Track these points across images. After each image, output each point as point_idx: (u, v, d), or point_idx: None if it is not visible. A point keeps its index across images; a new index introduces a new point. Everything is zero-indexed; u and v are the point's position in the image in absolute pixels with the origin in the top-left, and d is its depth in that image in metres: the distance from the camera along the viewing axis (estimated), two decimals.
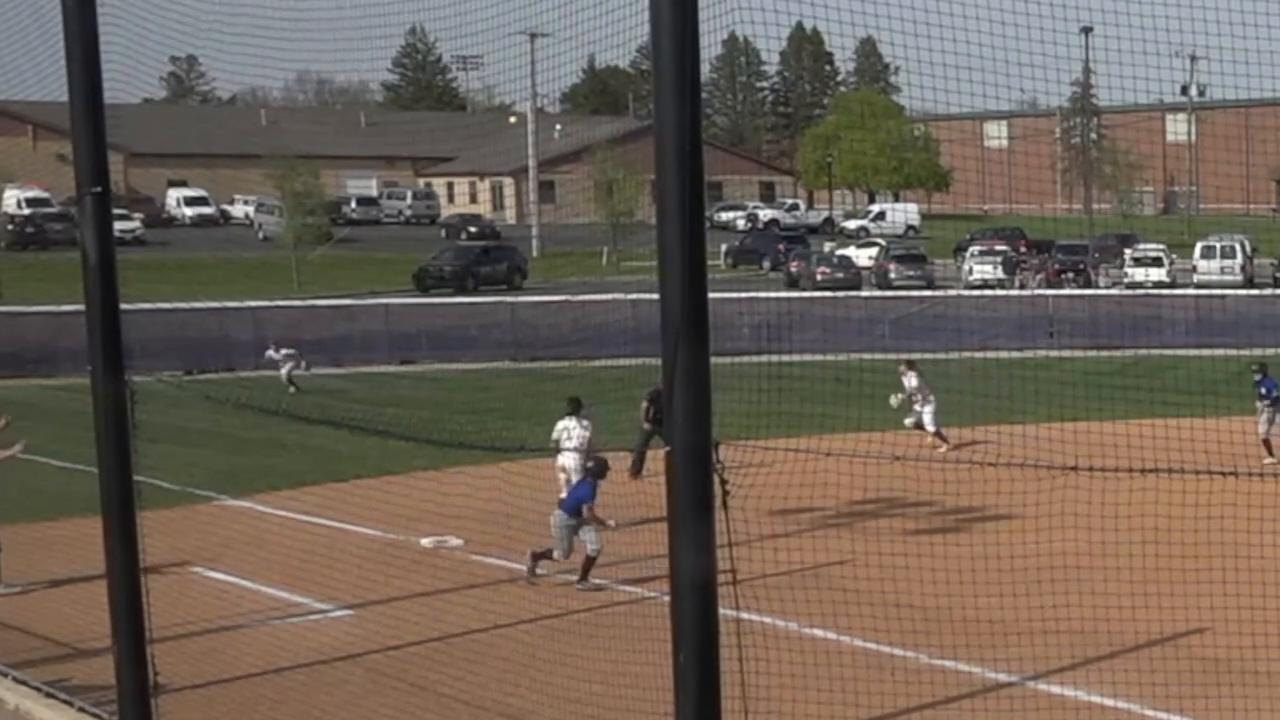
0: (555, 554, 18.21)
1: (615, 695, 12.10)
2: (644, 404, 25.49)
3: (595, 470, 18.68)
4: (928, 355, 41.96)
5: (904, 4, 9.67)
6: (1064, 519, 16.63)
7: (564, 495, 20.88)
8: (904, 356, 32.02)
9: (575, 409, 21.90)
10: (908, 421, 28.73)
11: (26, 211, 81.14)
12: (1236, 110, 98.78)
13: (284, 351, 38.28)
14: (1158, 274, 65.38)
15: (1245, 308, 50.85)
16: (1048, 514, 16.50)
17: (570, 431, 21.72)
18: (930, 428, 28.66)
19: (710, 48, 7.19)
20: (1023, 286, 63.32)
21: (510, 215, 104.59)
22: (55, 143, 78.43)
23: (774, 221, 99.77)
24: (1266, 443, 25.84)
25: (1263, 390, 26.32)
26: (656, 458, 24.55)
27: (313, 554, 18.32)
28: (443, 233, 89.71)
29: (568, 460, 21.05)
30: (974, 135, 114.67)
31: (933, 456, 26.58)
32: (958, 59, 10.68)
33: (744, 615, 10.81)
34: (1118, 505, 15.07)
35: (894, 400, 28.77)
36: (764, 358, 30.84)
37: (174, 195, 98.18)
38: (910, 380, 29.20)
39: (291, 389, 36.77)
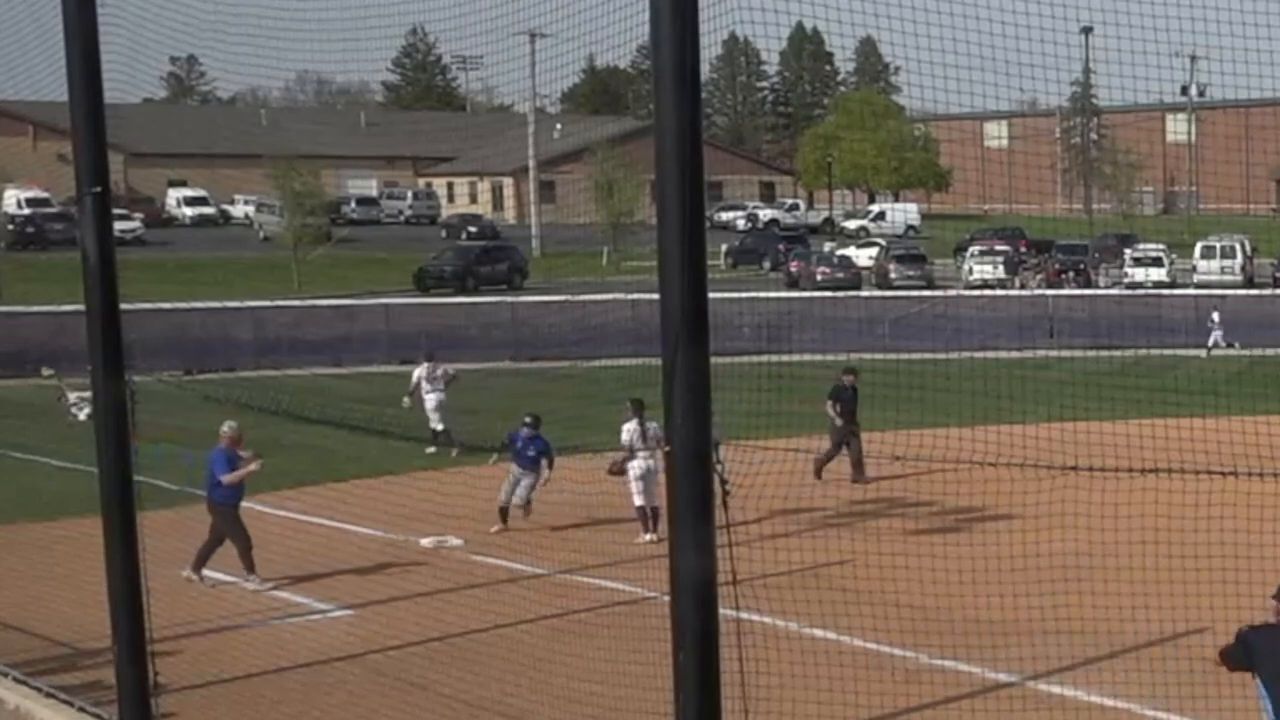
0: None
1: (615, 695, 12.09)
2: (830, 403, 25.23)
3: None
4: (928, 355, 42.07)
5: (904, 4, 9.67)
6: (1064, 519, 16.64)
7: (639, 501, 20.60)
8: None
9: (639, 411, 21.39)
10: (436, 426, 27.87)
11: (26, 211, 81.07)
12: (1236, 110, 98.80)
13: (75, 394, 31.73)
14: (1158, 274, 65.40)
15: (1245, 308, 50.91)
16: (1048, 514, 16.50)
17: (633, 433, 21.18)
18: (436, 426, 27.86)
19: (710, 48, 7.19)
20: (1023, 286, 63.33)
21: (510, 215, 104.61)
22: (55, 143, 78.40)
23: (774, 221, 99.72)
24: (505, 511, 21.28)
25: (530, 451, 21.29)
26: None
27: (313, 554, 18.32)
28: (443, 233, 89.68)
29: (638, 466, 20.58)
30: (974, 135, 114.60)
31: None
32: (958, 59, 10.69)
33: (744, 615, 10.82)
34: (1118, 505, 15.07)
35: (406, 401, 28.32)
36: (764, 358, 30.79)
37: (174, 195, 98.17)
38: (420, 370, 28.90)
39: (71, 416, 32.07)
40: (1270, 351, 41.25)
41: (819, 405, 25.73)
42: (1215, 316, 47.59)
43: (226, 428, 18.74)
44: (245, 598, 17.62)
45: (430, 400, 28.67)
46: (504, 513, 21.13)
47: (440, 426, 28.01)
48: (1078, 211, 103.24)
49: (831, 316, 49.06)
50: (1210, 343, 46.87)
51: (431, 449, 27.15)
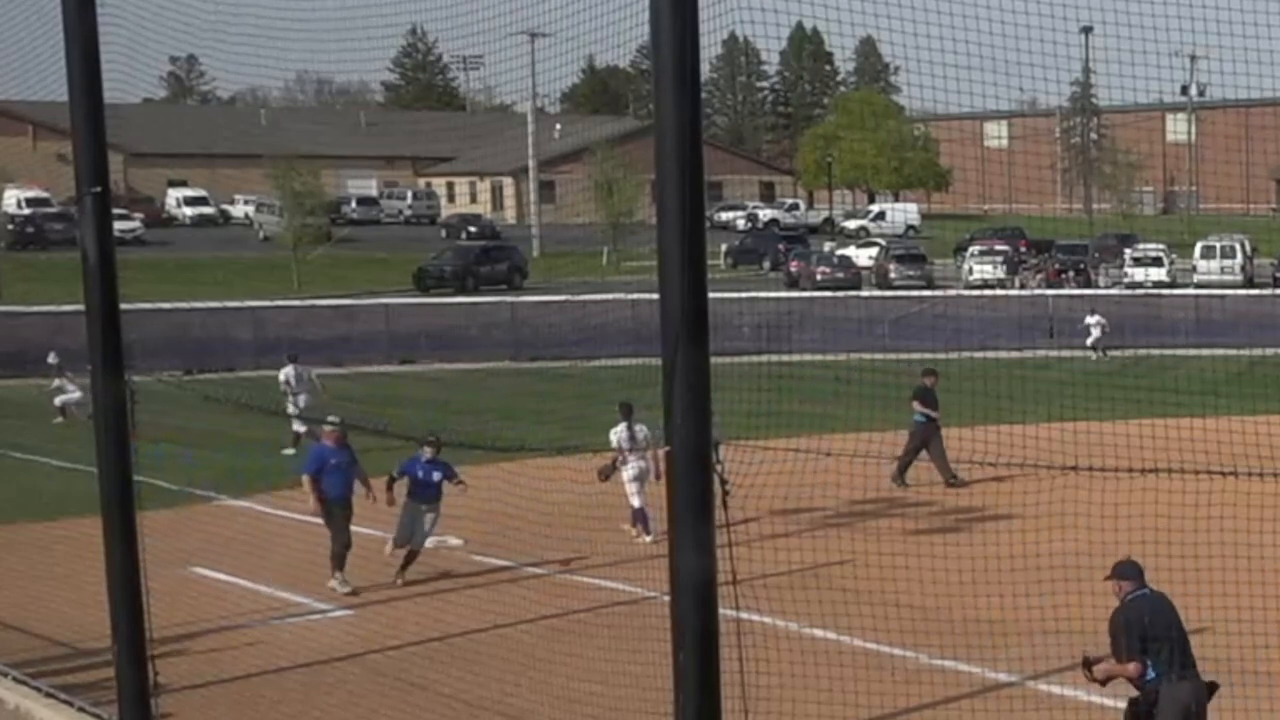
0: None
1: (615, 695, 12.10)
2: (915, 403, 24.96)
3: None
4: (928, 355, 42.04)
5: (904, 4, 9.67)
6: (1064, 519, 16.62)
7: (636, 502, 20.47)
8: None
9: (628, 414, 21.08)
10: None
11: (26, 211, 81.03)
12: (1236, 110, 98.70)
13: (65, 383, 33.35)
14: (1158, 274, 65.37)
15: (1245, 308, 50.91)
16: (1048, 514, 16.49)
17: (620, 436, 20.91)
18: (299, 428, 27.38)
19: (710, 48, 7.20)
20: (1023, 286, 63.33)
21: (510, 215, 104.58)
22: (55, 143, 78.37)
23: (774, 221, 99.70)
24: (415, 555, 18.99)
25: (435, 476, 19.14)
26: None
27: (312, 554, 18.32)
28: (443, 233, 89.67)
29: (632, 468, 20.39)
30: (974, 135, 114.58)
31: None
32: (958, 59, 10.69)
33: (744, 615, 10.84)
34: (1118, 505, 15.06)
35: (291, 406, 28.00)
36: (764, 357, 30.77)
37: (174, 195, 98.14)
38: (286, 371, 29.00)
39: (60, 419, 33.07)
40: (1270, 351, 41.15)
41: (819, 405, 25.74)
42: (1090, 319, 47.78)
43: (328, 425, 19.22)
44: (245, 597, 17.62)
45: (300, 401, 28.61)
46: (412, 556, 18.75)
47: (303, 429, 27.36)
48: (1078, 211, 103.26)
49: (831, 316, 49.06)
50: (1089, 342, 46.97)
51: (290, 450, 26.97)
